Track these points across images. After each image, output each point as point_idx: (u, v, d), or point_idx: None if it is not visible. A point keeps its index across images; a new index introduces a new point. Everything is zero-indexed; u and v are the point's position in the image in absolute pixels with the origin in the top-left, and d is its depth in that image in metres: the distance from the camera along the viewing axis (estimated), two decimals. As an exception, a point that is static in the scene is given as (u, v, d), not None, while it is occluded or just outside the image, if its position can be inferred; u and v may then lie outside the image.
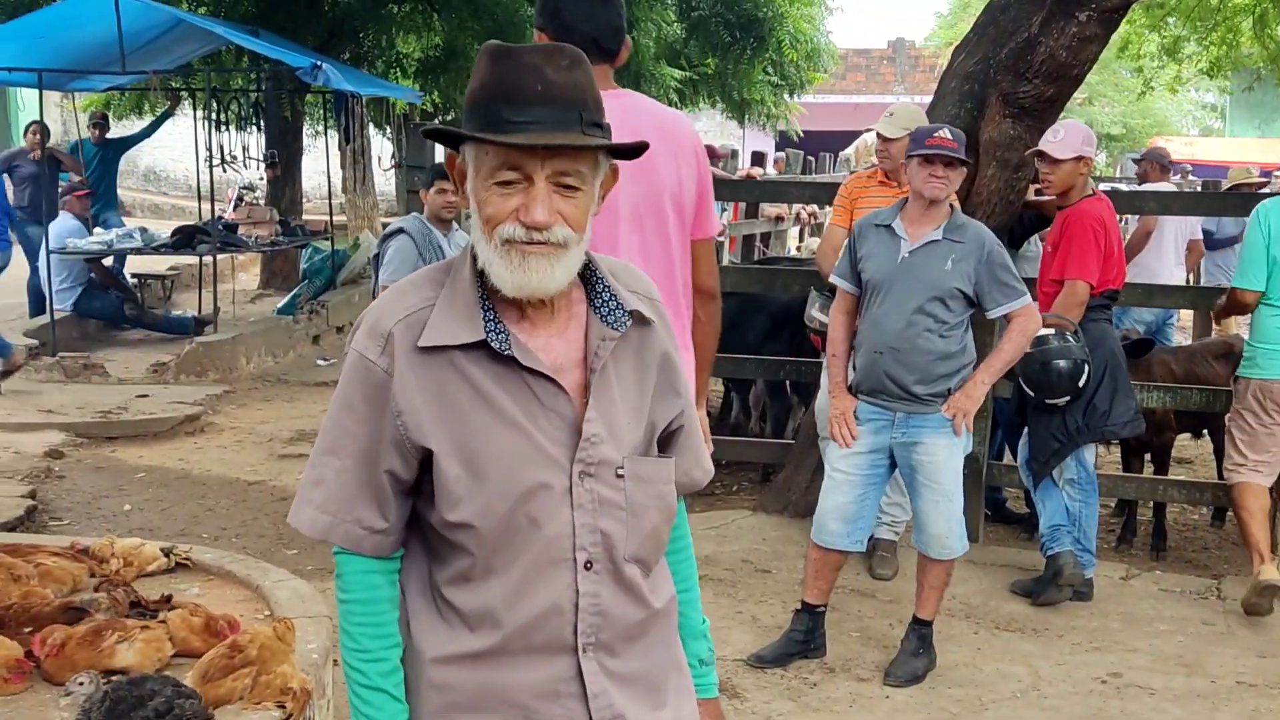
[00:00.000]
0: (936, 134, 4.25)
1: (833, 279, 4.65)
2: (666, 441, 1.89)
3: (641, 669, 1.81)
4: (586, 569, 1.73)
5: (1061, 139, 5.12)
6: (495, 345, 1.69)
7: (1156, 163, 9.70)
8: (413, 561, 1.81)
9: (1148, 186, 9.25)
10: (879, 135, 5.43)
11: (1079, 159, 5.09)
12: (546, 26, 3.09)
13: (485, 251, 1.69)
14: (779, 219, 13.36)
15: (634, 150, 1.75)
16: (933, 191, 4.25)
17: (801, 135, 20.87)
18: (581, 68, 1.71)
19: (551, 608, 1.72)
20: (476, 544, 1.71)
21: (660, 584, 1.86)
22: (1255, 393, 5.27)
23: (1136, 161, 10.20)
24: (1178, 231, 8.65)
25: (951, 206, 4.40)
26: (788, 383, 7.30)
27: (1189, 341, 9.08)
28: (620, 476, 1.75)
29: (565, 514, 1.71)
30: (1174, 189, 9.83)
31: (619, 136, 3.57)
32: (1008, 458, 6.40)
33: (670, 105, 16.28)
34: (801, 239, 14.48)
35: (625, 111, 3.01)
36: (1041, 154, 5.17)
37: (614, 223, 3.07)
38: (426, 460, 1.72)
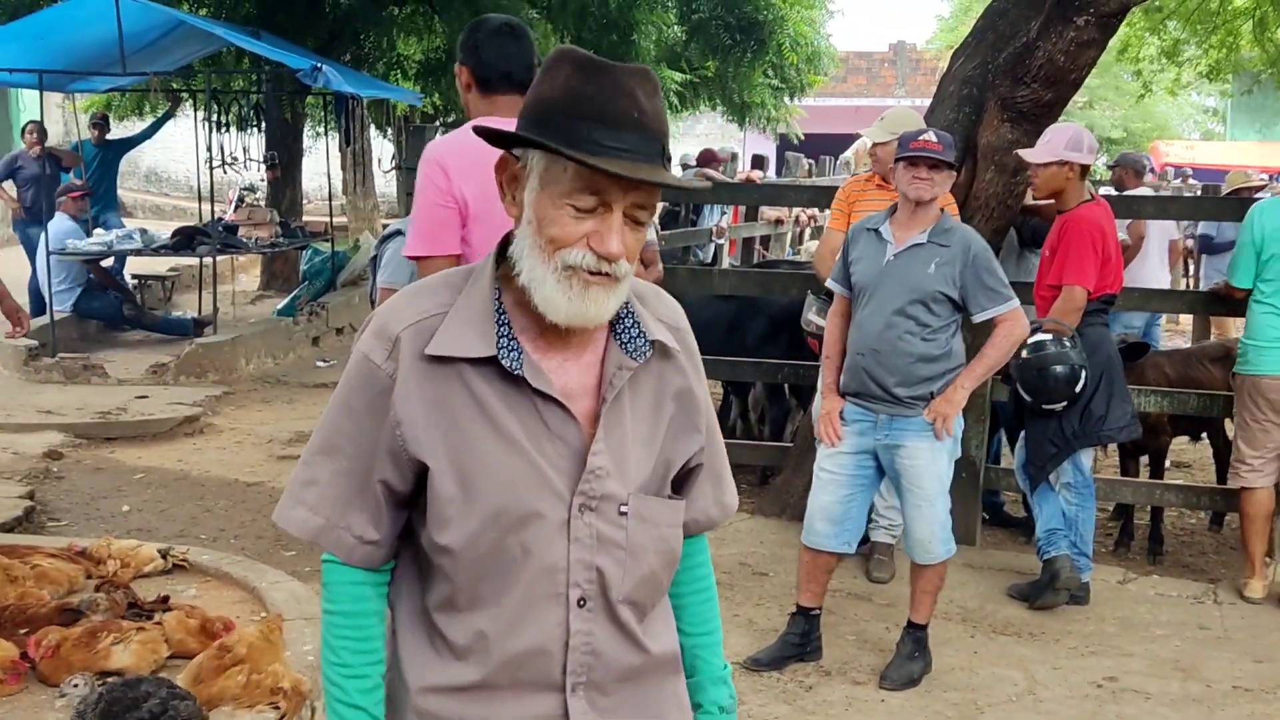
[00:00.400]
0: (921, 137, 4.28)
1: (828, 283, 4.67)
2: (683, 480, 1.79)
3: (637, 709, 1.72)
4: (580, 606, 1.65)
5: (1044, 142, 5.14)
6: (506, 363, 1.61)
7: (1131, 168, 9.56)
8: (405, 580, 1.73)
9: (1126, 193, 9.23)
10: (872, 141, 5.47)
11: (1063, 164, 5.09)
12: (466, 62, 3.42)
13: (538, 270, 1.59)
14: (778, 222, 13.37)
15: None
16: (916, 192, 4.27)
17: (802, 138, 20.88)
18: (660, 94, 1.62)
19: (540, 644, 1.64)
20: (465, 570, 1.64)
21: (660, 630, 1.77)
22: (1248, 389, 5.35)
23: (1110, 168, 10.04)
24: (1161, 234, 8.65)
25: (943, 210, 4.41)
26: (786, 386, 7.31)
27: (1186, 344, 9.09)
28: (623, 514, 1.66)
29: (560, 547, 1.63)
30: (1151, 193, 9.79)
31: None
32: (1006, 461, 6.40)
33: (670, 108, 16.31)
34: (801, 241, 14.48)
35: None
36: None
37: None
38: (423, 475, 1.64)
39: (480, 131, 1.67)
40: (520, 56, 3.42)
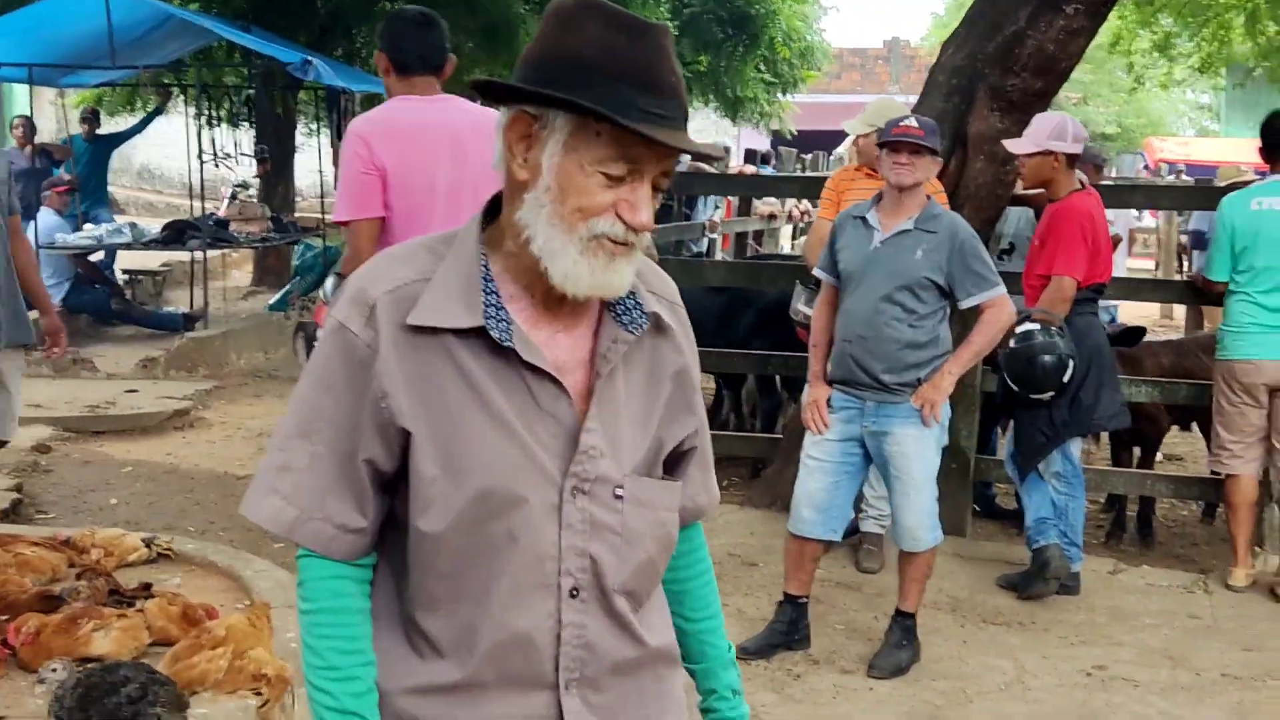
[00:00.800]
0: (902, 122, 4.29)
1: (815, 271, 4.66)
2: (675, 463, 1.69)
3: (632, 706, 1.62)
4: (572, 597, 1.54)
5: (1029, 132, 5.14)
6: (495, 334, 1.49)
7: (1091, 162, 9.44)
8: (379, 577, 1.61)
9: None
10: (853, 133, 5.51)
11: (1048, 153, 5.08)
12: (385, 49, 3.86)
13: (557, 240, 1.48)
14: (772, 217, 13.36)
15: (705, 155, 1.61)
16: (898, 178, 4.26)
17: (795, 134, 20.87)
18: None
19: (530, 638, 1.53)
20: (448, 559, 1.52)
21: (656, 621, 1.67)
22: (1224, 374, 5.41)
23: None
24: (1121, 223, 8.64)
25: (929, 198, 4.40)
26: (777, 378, 7.29)
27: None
28: (619, 497, 1.55)
29: (550, 533, 1.52)
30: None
31: (445, 135, 3.80)
32: (1000, 452, 6.39)
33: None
34: (795, 236, 14.48)
35: (449, 113, 3.81)
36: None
37: (432, 199, 3.62)
38: (406, 452, 1.53)
39: (482, 86, 1.53)
40: (433, 42, 3.86)
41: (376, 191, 3.63)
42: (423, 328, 1.50)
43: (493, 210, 1.60)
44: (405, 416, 1.51)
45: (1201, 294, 6.04)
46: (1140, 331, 6.25)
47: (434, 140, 3.68)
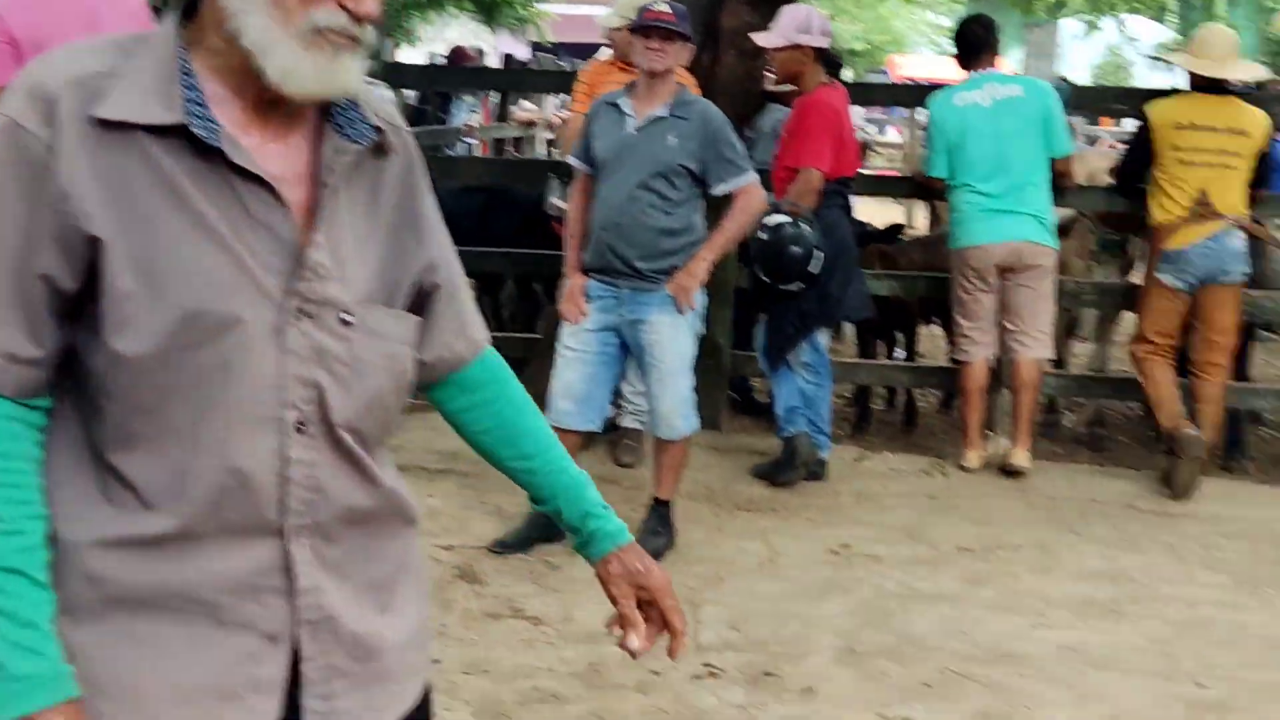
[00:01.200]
0: (654, 7, 4.26)
1: (570, 159, 4.61)
2: (420, 307, 1.55)
3: (364, 562, 1.49)
4: (299, 431, 1.38)
5: (775, 26, 5.22)
6: (199, 132, 1.32)
7: None
8: (61, 419, 1.40)
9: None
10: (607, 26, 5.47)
11: (796, 47, 5.17)
12: None
13: (273, 32, 1.33)
14: (530, 124, 13.19)
15: None
16: (650, 63, 4.24)
17: (553, 45, 20.67)
18: None
19: (252, 478, 1.37)
20: (152, 390, 1.34)
21: (387, 467, 1.53)
22: (958, 263, 5.68)
23: None
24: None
25: (681, 86, 4.40)
26: (536, 283, 7.22)
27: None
28: (346, 323, 1.40)
29: (271, 358, 1.36)
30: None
31: (78, 6, 3.62)
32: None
33: (417, 6, 15.82)
34: (553, 145, 14.35)
35: None
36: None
37: None
38: (95, 266, 1.33)
39: None
40: None
41: (9, 62, 3.51)
42: (113, 123, 1.32)
43: (190, 10, 1.43)
44: (94, 221, 1.32)
45: (930, 191, 6.32)
46: (899, 229, 6.50)
47: (67, 11, 3.60)
